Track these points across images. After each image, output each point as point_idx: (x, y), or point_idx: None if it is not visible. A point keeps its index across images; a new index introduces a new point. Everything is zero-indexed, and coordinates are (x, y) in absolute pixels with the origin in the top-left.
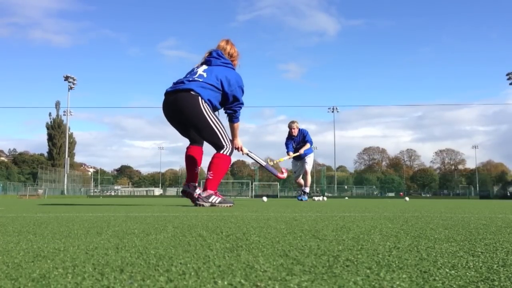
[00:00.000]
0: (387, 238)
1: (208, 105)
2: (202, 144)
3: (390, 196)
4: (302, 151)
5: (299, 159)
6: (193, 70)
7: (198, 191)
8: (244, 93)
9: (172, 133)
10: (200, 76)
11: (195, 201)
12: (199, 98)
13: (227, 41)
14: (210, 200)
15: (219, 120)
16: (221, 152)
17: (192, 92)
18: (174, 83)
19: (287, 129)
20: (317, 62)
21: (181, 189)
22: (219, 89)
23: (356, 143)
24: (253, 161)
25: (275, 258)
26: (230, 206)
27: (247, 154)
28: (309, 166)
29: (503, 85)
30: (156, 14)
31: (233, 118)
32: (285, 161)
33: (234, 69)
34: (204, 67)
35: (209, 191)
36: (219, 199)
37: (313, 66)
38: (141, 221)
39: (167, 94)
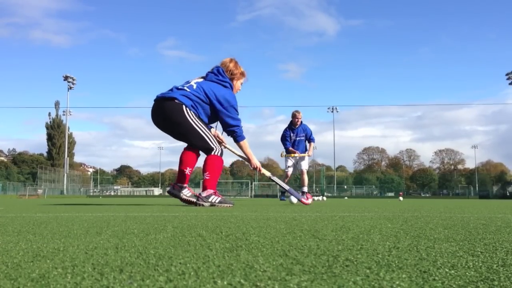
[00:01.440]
0: (386, 238)
1: (194, 112)
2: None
3: (389, 196)
4: (310, 153)
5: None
6: (188, 80)
7: (186, 191)
8: (239, 108)
9: None
10: (190, 86)
11: (182, 199)
12: (183, 106)
13: (231, 59)
14: (210, 199)
15: (205, 125)
16: (212, 154)
17: (176, 101)
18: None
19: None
20: (317, 62)
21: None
22: (206, 103)
23: (356, 143)
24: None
25: (274, 258)
26: (230, 206)
27: (270, 178)
28: (305, 165)
29: (502, 85)
30: (155, 14)
31: (236, 137)
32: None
33: (229, 88)
34: (199, 80)
35: (209, 191)
36: (219, 198)
37: (313, 66)
38: (140, 221)
39: (155, 101)
